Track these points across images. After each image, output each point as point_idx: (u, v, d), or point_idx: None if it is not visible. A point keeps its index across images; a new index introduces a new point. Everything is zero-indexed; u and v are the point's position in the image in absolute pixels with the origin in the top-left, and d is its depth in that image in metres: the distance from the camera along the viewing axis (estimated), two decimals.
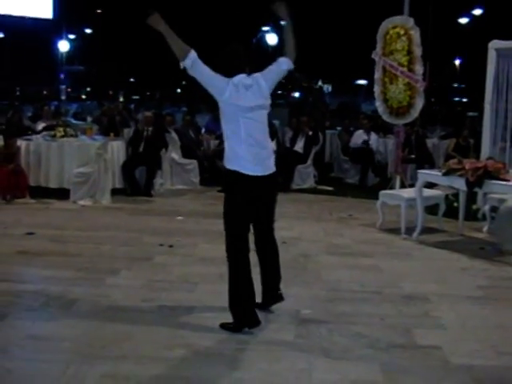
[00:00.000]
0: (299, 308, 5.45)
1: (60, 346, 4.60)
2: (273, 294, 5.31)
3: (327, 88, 51.91)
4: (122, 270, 6.47)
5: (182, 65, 4.75)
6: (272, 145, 5.38)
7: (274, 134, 11.37)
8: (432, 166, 11.33)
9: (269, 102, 5.05)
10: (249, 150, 4.88)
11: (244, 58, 5.02)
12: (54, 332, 4.86)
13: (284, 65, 5.13)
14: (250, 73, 4.99)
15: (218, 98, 4.87)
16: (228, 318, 4.96)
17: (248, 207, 5.02)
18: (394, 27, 9.77)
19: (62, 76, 37.31)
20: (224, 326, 4.94)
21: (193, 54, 4.71)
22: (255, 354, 4.55)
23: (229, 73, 4.87)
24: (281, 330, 4.97)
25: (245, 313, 4.93)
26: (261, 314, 5.18)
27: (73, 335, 4.78)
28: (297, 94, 39.90)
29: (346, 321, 5.19)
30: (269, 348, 4.64)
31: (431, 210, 8.94)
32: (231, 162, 4.96)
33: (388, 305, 5.62)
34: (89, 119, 16.65)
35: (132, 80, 56.13)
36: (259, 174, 4.95)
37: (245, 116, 4.84)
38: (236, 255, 5.05)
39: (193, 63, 4.71)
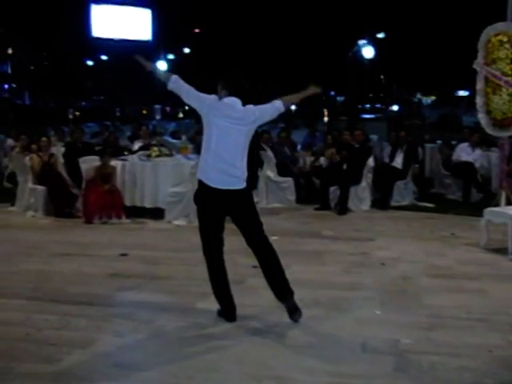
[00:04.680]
0: (399, 337, 5.09)
1: (146, 376, 4.44)
2: (285, 303, 5.46)
3: (426, 100, 50.92)
4: (213, 294, 6.26)
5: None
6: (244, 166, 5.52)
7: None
8: None
9: (250, 130, 5.44)
10: (215, 163, 5.30)
11: (242, 85, 5.50)
12: (140, 360, 4.70)
13: (278, 106, 5.52)
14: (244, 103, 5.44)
15: (199, 110, 5.42)
16: (325, 355, 4.67)
17: (212, 217, 5.53)
18: (497, 35, 9.26)
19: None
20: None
21: (173, 78, 5.43)
22: None
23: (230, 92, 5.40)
24: (379, 362, 4.64)
25: (221, 306, 5.53)
26: (356, 344, 4.89)
27: (159, 364, 4.61)
28: (395, 108, 39.21)
29: (450, 352, 4.78)
30: (366, 382, 4.31)
31: None
32: (199, 171, 5.46)
33: (496, 334, 5.17)
34: (183, 138, 16.69)
35: None
36: (221, 187, 5.32)
37: (219, 132, 5.28)
38: (208, 257, 5.77)
39: (173, 84, 5.42)
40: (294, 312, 5.39)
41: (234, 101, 5.39)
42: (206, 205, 5.43)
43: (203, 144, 5.45)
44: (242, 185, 5.44)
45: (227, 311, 5.50)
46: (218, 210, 5.42)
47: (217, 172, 5.30)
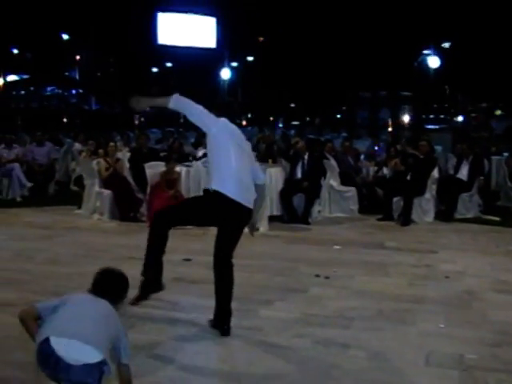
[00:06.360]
0: (463, 352, 5.01)
1: (209, 382, 4.49)
2: (221, 327, 5.30)
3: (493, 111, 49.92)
4: (276, 302, 6.29)
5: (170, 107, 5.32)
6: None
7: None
8: None
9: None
10: (238, 180, 5.26)
11: (236, 111, 5.53)
12: (204, 366, 4.74)
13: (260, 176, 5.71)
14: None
15: (209, 127, 5.36)
16: (388, 367, 4.63)
17: (205, 214, 5.55)
18: None
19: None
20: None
21: (174, 97, 5.29)
22: None
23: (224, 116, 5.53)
24: (443, 376, 4.57)
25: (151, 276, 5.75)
26: (420, 358, 4.83)
27: (223, 370, 4.64)
28: (460, 119, 38.64)
29: None
30: None
31: None
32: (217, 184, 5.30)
33: None
34: None
35: (292, 105, 56.67)
36: (239, 201, 5.25)
37: (237, 151, 5.31)
38: (157, 229, 5.96)
39: (176, 102, 5.29)
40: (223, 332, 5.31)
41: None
42: (211, 207, 5.42)
43: (218, 162, 5.34)
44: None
45: (155, 281, 5.77)
46: (217, 216, 5.38)
47: (239, 187, 5.27)
